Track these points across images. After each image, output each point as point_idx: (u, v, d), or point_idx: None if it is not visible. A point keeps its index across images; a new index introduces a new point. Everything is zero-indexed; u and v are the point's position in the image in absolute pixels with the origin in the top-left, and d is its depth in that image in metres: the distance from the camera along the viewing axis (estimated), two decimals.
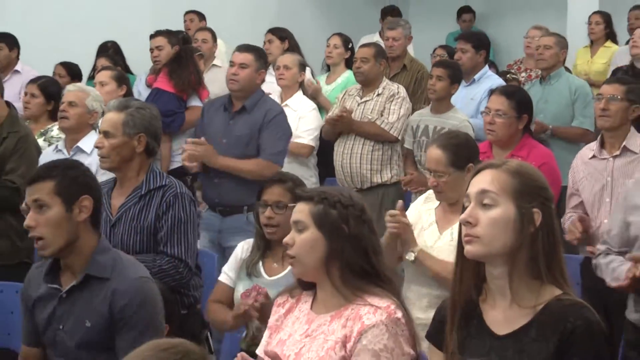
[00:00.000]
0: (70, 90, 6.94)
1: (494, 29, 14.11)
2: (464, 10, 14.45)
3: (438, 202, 5.44)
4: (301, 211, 3.71)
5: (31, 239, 4.72)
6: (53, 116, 7.66)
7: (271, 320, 3.89)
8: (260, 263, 5.19)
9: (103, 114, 6.11)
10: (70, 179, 4.09)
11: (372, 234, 3.72)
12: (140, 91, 9.61)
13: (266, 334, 3.87)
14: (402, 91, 8.17)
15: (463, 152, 5.34)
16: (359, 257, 3.66)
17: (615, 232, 5.28)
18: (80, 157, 6.31)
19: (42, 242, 4.06)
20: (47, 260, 4.21)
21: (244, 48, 7.22)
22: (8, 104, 7.04)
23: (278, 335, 3.79)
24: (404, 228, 5.19)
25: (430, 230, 5.35)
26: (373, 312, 3.56)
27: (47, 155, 6.68)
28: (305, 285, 3.80)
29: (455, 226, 4.92)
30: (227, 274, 5.31)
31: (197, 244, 5.77)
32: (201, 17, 11.71)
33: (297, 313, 3.81)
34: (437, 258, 5.16)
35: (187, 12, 11.73)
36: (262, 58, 7.21)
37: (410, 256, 5.20)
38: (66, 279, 4.14)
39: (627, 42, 10.47)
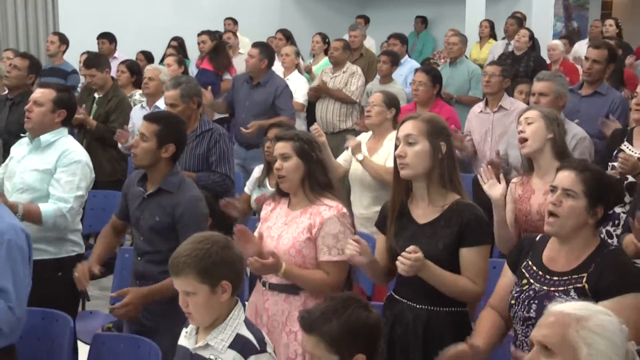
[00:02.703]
0: (149, 69, 7.20)
1: (437, 30, 13.97)
2: (420, 17, 14.08)
3: (368, 137, 5.64)
4: (284, 147, 3.67)
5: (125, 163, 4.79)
6: (135, 85, 7.89)
7: (262, 213, 3.86)
8: (267, 179, 5.43)
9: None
10: (171, 129, 4.13)
11: (328, 158, 3.80)
12: (192, 71, 9.71)
13: (260, 222, 3.87)
14: (359, 70, 8.41)
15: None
16: (321, 174, 3.67)
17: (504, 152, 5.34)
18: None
19: (136, 156, 4.13)
20: (140, 171, 4.23)
21: (255, 45, 7.58)
22: (112, 77, 7.42)
23: (267, 224, 3.77)
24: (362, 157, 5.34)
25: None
26: (328, 209, 3.59)
27: (136, 111, 6.96)
28: (282, 193, 3.79)
29: (380, 151, 5.45)
30: (248, 187, 5.63)
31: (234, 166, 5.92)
32: (235, 21, 11.64)
33: (278, 210, 3.79)
34: (374, 162, 5.34)
35: (226, 18, 11.61)
36: (265, 51, 7.46)
37: (360, 157, 5.34)
38: (149, 186, 4.14)
39: (503, 39, 10.81)
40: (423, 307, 3.35)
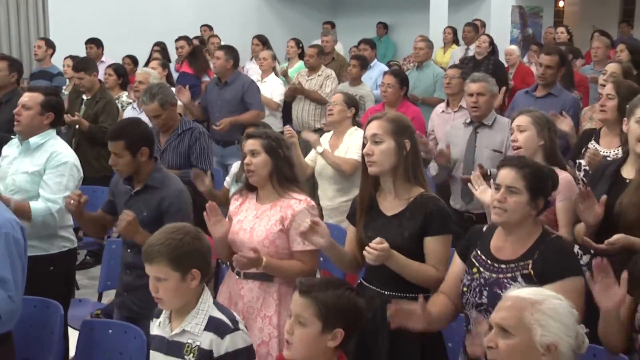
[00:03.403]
0: (140, 73, 7.15)
1: (397, 36, 14.07)
2: (381, 23, 14.21)
3: (330, 136, 5.67)
4: (254, 144, 3.68)
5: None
6: (122, 87, 7.86)
7: (231, 208, 3.84)
8: (243, 175, 5.53)
9: None
10: (134, 137, 4.08)
11: (298, 157, 3.78)
12: (173, 74, 9.47)
13: (228, 217, 3.81)
14: (333, 74, 8.42)
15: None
16: (287, 170, 3.68)
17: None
18: None
19: (120, 172, 4.15)
20: None
21: (220, 48, 7.66)
22: (99, 80, 7.37)
23: (237, 217, 3.75)
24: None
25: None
26: (298, 202, 3.61)
27: (128, 112, 7.01)
28: (250, 188, 3.79)
29: (341, 147, 5.48)
30: (227, 181, 5.53)
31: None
32: (210, 27, 11.64)
33: (247, 204, 3.77)
34: (333, 154, 5.35)
35: (202, 25, 11.66)
36: (229, 53, 7.42)
37: (320, 149, 5.36)
38: (135, 184, 4.15)
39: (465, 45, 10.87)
40: (391, 293, 3.34)
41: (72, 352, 3.91)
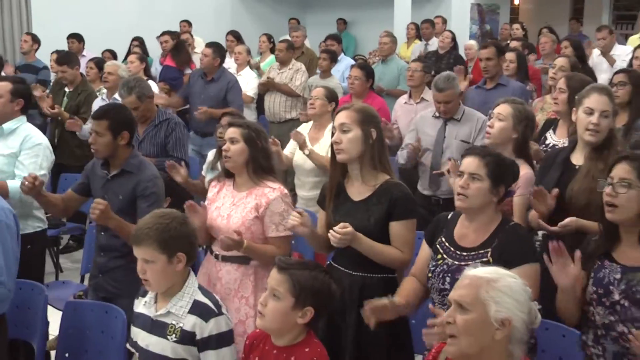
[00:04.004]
0: (109, 65, 7.17)
1: (357, 31, 14.05)
2: (340, 19, 14.21)
3: (310, 127, 5.61)
4: (234, 132, 3.67)
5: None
6: (102, 80, 7.54)
7: (209, 195, 3.82)
8: (218, 163, 5.22)
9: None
10: (119, 119, 4.07)
11: (278, 155, 3.76)
12: (157, 67, 9.81)
13: (206, 203, 3.80)
14: (303, 67, 8.40)
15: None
16: (264, 160, 3.67)
17: (410, 141, 5.42)
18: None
19: (97, 152, 4.07)
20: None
21: (208, 45, 7.54)
22: (81, 73, 7.37)
23: (215, 204, 3.73)
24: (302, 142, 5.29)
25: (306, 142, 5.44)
26: (272, 190, 3.60)
27: (98, 102, 6.82)
28: (228, 174, 3.77)
29: (322, 141, 5.40)
30: (204, 170, 5.42)
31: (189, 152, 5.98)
32: (189, 23, 11.57)
33: (224, 191, 3.76)
34: (319, 155, 5.26)
35: (182, 21, 11.57)
36: (217, 51, 7.43)
37: (307, 152, 5.29)
38: (111, 169, 4.10)
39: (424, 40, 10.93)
40: (358, 274, 3.36)
41: (55, 331, 3.87)
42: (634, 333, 2.74)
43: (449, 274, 3.03)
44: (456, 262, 3.04)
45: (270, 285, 2.77)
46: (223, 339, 2.91)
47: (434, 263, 3.12)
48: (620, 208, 2.83)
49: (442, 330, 2.62)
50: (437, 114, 5.33)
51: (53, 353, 3.86)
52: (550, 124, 4.80)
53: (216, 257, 3.69)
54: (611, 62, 7.69)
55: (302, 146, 5.36)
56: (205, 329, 2.88)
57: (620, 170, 2.85)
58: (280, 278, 2.74)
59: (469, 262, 2.99)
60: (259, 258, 3.60)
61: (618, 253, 2.89)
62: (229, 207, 3.67)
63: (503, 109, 4.13)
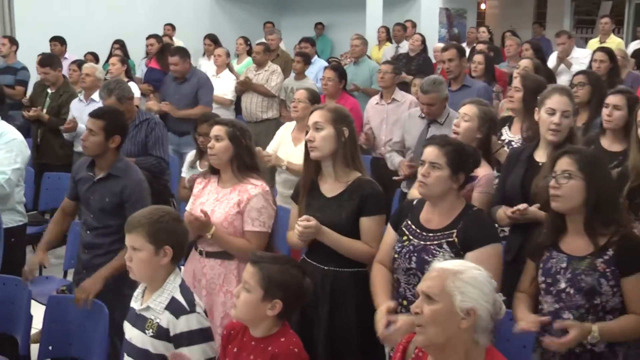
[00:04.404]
0: (86, 67, 7.05)
1: (333, 34, 14.01)
2: (319, 23, 14.21)
3: (293, 127, 5.52)
4: (220, 129, 3.64)
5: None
6: None
7: (195, 191, 3.80)
8: (197, 162, 5.26)
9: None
10: (115, 123, 4.09)
11: (254, 144, 3.72)
12: (143, 69, 9.74)
13: (191, 199, 3.79)
14: (278, 69, 8.37)
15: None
16: (248, 158, 3.64)
17: (396, 140, 5.57)
18: (92, 104, 6.37)
19: (86, 148, 4.07)
20: (89, 158, 4.17)
21: (173, 53, 7.47)
22: (63, 75, 7.29)
23: (199, 200, 3.71)
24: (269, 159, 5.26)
25: (289, 144, 5.44)
26: (255, 187, 3.57)
27: (75, 103, 6.83)
28: (213, 171, 3.73)
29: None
30: (184, 170, 5.39)
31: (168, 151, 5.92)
32: (173, 27, 11.54)
33: (209, 187, 3.73)
34: (295, 164, 5.09)
35: (166, 24, 11.51)
36: (183, 56, 7.33)
37: (283, 167, 5.27)
38: (97, 171, 4.09)
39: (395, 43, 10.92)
40: (330, 268, 3.36)
41: (38, 325, 3.86)
42: (546, 342, 2.81)
43: (415, 254, 3.05)
44: (422, 242, 3.06)
45: (244, 277, 2.78)
46: (195, 337, 2.87)
47: (400, 245, 3.14)
48: (563, 198, 2.88)
49: (401, 327, 2.74)
50: (423, 115, 5.33)
51: (36, 346, 3.83)
52: (505, 120, 4.84)
53: (200, 253, 3.67)
54: (568, 65, 7.80)
55: (276, 162, 5.33)
56: (176, 325, 2.86)
57: (563, 163, 2.91)
58: (252, 271, 2.75)
59: (435, 242, 3.03)
60: (230, 249, 3.57)
61: (564, 243, 2.94)
62: (212, 203, 3.65)
63: (469, 109, 4.16)
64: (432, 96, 5.17)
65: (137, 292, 3.03)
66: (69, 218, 4.42)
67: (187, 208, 3.74)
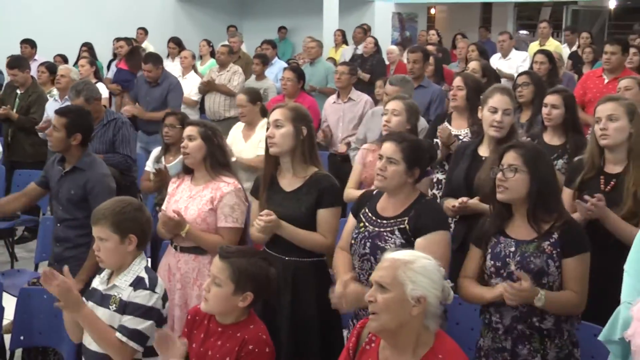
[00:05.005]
0: (62, 69, 6.91)
1: (294, 38, 13.95)
2: (282, 27, 14.11)
3: (243, 126, 5.54)
4: (192, 130, 3.62)
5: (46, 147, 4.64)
6: (54, 83, 7.25)
7: (169, 189, 3.76)
8: (163, 157, 5.16)
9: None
10: (77, 121, 4.07)
11: (225, 143, 3.74)
12: (113, 70, 9.60)
13: (167, 198, 3.75)
14: (240, 70, 8.33)
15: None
16: (220, 156, 3.62)
17: (359, 137, 5.53)
18: (67, 103, 5.87)
19: (51, 145, 4.16)
20: (58, 154, 4.18)
21: (145, 60, 7.35)
22: (32, 76, 7.19)
23: (174, 198, 3.68)
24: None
25: (240, 140, 5.49)
26: (227, 185, 3.54)
27: (50, 103, 6.72)
28: (187, 170, 3.71)
29: (253, 137, 5.36)
30: (148, 165, 5.29)
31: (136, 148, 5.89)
32: (146, 31, 11.46)
33: (183, 186, 3.69)
34: (247, 159, 5.24)
35: (139, 28, 11.40)
36: (155, 61, 7.26)
37: (234, 159, 4.96)
38: (66, 165, 4.10)
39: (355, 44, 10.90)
40: (291, 258, 3.36)
41: (10, 316, 3.81)
42: (506, 288, 2.76)
43: (369, 240, 3.06)
44: (376, 229, 3.07)
45: (213, 272, 2.74)
46: (127, 308, 2.84)
47: (357, 231, 3.14)
48: (509, 189, 2.90)
49: (350, 293, 2.85)
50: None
51: (9, 336, 3.80)
52: (443, 117, 4.89)
53: (175, 248, 3.63)
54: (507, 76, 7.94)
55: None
56: (131, 295, 2.85)
57: (509, 157, 2.93)
58: (221, 266, 2.72)
59: (388, 229, 3.04)
60: (204, 245, 3.53)
61: (511, 229, 2.96)
62: (186, 200, 3.61)
63: (396, 104, 4.24)
64: (396, 89, 5.16)
65: (103, 275, 3.01)
66: (24, 199, 4.36)
67: (163, 207, 3.71)
